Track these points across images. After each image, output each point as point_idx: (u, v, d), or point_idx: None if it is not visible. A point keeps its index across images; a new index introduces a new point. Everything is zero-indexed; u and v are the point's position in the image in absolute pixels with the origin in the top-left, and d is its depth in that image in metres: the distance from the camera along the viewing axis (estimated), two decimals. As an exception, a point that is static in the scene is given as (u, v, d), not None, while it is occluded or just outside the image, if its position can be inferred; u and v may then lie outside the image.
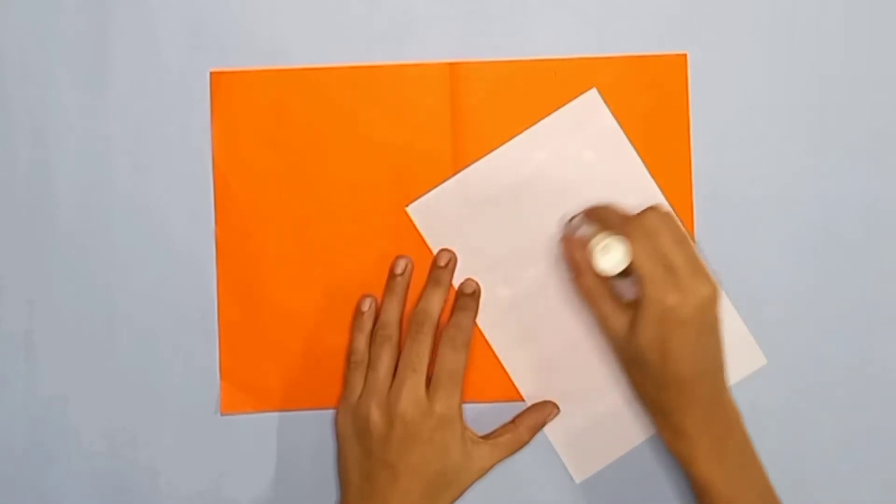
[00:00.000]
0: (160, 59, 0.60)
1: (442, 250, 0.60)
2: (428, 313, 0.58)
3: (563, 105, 0.60)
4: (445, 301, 0.59)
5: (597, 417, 0.60)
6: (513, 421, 0.60)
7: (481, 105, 0.60)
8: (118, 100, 0.60)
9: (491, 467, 0.58)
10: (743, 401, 0.58)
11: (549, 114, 0.60)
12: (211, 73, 0.60)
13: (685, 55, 0.61)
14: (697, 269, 0.54)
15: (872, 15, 0.61)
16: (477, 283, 0.60)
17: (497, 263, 0.60)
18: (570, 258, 0.58)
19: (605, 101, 0.60)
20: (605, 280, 0.56)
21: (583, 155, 0.60)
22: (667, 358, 0.53)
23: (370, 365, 0.58)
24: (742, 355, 0.60)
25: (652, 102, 0.61)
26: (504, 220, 0.60)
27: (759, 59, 0.61)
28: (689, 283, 0.53)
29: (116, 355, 0.60)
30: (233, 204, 0.60)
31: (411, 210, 0.60)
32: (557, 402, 0.60)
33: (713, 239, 0.60)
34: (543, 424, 0.60)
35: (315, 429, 0.60)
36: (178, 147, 0.60)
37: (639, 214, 0.55)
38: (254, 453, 0.60)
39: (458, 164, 0.60)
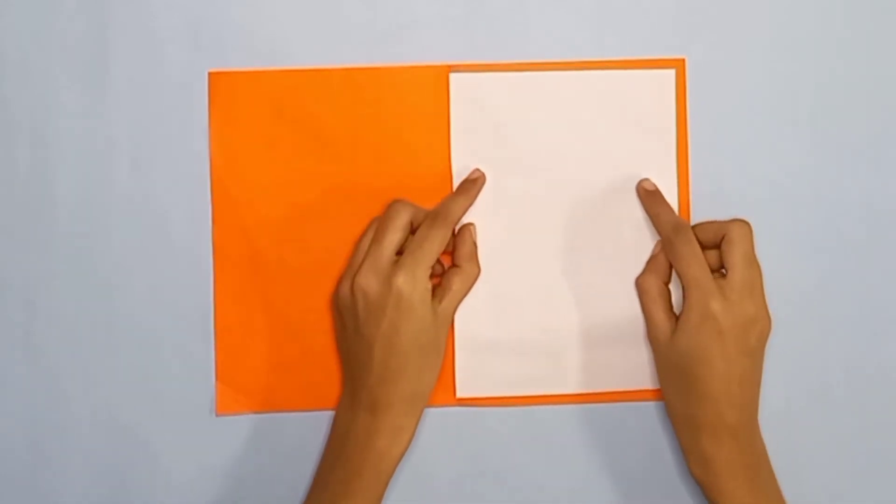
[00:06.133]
0: (160, 60, 0.60)
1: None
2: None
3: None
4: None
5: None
6: (452, 265, 0.58)
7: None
8: (118, 100, 0.60)
9: (454, 313, 0.58)
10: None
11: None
12: (210, 74, 0.60)
13: (683, 59, 0.61)
14: (755, 294, 0.54)
15: (872, 15, 0.61)
16: (482, 174, 0.60)
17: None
18: (659, 255, 0.58)
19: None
20: (666, 287, 0.58)
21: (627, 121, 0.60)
22: (702, 366, 0.53)
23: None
24: None
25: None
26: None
27: (759, 61, 0.61)
28: (738, 298, 0.54)
29: (116, 355, 0.60)
30: (230, 205, 0.60)
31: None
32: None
33: (713, 239, 0.60)
34: (475, 243, 0.59)
35: (310, 430, 0.60)
36: (178, 147, 0.60)
37: (728, 221, 0.56)
38: (249, 454, 0.60)
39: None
